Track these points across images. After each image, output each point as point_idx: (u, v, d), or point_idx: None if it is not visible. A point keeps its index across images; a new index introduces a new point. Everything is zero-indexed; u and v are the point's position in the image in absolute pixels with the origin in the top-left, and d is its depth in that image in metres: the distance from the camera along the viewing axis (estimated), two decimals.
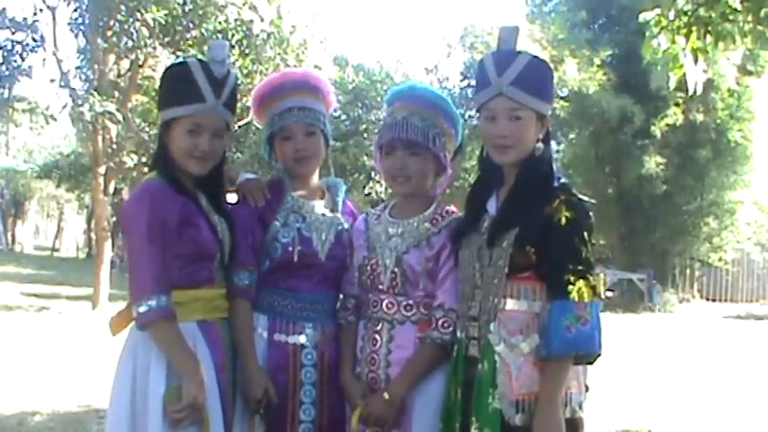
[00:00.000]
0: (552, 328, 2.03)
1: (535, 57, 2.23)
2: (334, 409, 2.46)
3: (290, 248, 2.43)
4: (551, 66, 2.32)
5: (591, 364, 2.13)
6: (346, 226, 2.57)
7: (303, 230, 2.47)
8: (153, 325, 2.17)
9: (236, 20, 11.00)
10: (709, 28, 4.67)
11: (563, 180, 2.20)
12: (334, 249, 2.50)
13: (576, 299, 2.03)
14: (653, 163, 17.79)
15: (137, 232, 2.21)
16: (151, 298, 2.15)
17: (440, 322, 2.33)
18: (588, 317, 2.03)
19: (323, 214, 2.54)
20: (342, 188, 2.66)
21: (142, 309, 2.16)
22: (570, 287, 2.04)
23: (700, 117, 17.55)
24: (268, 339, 2.43)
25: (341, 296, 2.54)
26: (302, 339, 2.45)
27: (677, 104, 17.22)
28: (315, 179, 2.62)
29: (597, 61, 16.94)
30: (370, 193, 17.68)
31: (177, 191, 2.28)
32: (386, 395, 2.32)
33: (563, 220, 2.08)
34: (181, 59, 2.53)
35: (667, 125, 17.44)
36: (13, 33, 10.33)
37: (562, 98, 16.49)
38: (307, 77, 2.61)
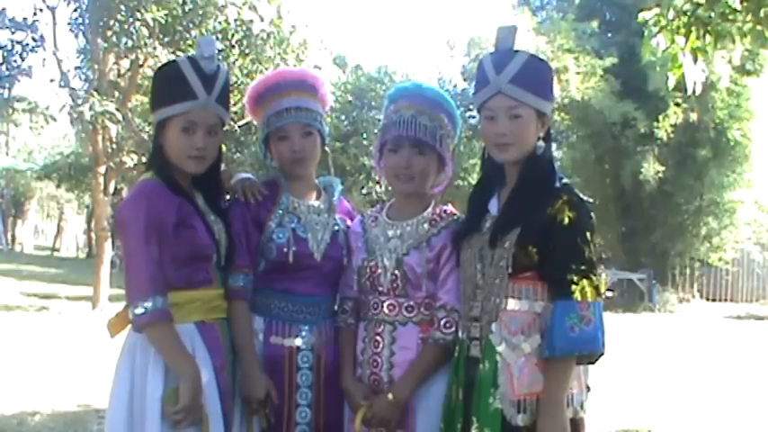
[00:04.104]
0: (556, 328, 2.03)
1: (533, 55, 2.23)
2: (331, 411, 2.45)
3: (285, 249, 2.42)
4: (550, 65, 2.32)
5: (593, 363, 2.14)
6: (342, 226, 2.56)
7: (298, 231, 2.46)
8: (149, 327, 2.16)
9: (236, 20, 10.99)
10: (709, 28, 4.67)
11: (565, 180, 2.20)
12: (330, 250, 2.49)
13: (580, 298, 2.03)
14: (652, 163, 17.75)
15: (133, 233, 2.20)
16: (147, 299, 2.15)
17: (442, 322, 2.33)
18: (591, 316, 2.03)
19: (318, 214, 2.53)
20: (337, 188, 2.64)
21: (138, 310, 2.15)
22: (573, 287, 2.04)
23: (699, 116, 17.51)
24: (264, 342, 2.42)
25: (339, 299, 2.52)
26: (298, 342, 2.43)
27: (677, 104, 17.17)
28: (311, 179, 2.61)
29: (600, 69, 16.85)
30: (369, 193, 17.69)
31: (174, 191, 2.27)
32: (390, 396, 2.31)
33: (566, 220, 2.08)
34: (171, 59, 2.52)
35: (671, 126, 17.38)
36: (13, 33, 10.34)
37: (564, 107, 16.42)
38: (304, 76, 2.60)
